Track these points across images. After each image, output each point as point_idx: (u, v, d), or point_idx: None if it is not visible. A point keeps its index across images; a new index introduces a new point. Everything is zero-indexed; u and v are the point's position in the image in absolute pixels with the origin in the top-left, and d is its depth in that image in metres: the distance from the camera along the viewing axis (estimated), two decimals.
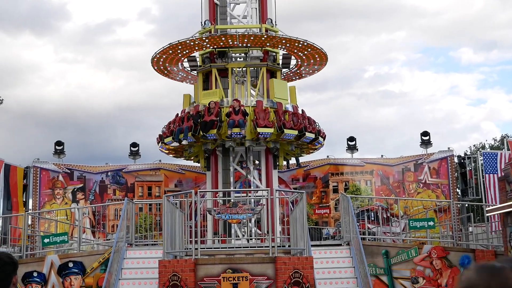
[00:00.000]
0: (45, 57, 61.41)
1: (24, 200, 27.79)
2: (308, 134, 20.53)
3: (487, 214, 20.91)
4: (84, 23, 61.68)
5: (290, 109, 20.88)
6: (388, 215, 26.88)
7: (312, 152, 23.06)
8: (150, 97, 62.98)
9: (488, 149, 45.06)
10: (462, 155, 29.18)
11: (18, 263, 4.24)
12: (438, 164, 28.41)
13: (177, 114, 21.43)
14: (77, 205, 27.54)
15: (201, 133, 19.70)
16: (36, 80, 61.62)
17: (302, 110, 21.56)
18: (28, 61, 60.20)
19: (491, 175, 26.75)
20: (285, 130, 19.81)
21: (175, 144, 20.92)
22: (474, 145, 49.38)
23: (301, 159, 25.08)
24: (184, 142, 20.52)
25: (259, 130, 19.63)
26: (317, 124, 21.66)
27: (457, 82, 76.59)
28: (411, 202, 27.78)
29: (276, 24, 22.10)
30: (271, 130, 19.75)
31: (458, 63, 77.36)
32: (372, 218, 26.33)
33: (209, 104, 20.12)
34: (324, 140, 22.15)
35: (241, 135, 19.78)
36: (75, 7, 63.35)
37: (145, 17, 61.39)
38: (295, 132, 20.12)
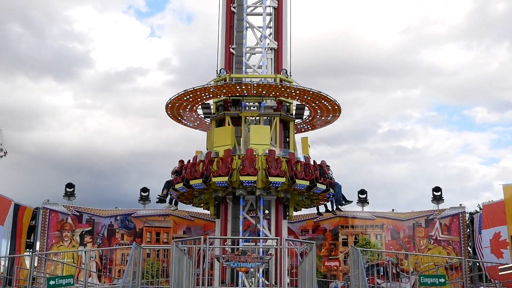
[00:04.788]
0: (65, 102, 62.69)
1: (31, 241, 27.63)
2: (299, 182, 20.23)
3: (499, 273, 20.52)
4: (105, 70, 63.05)
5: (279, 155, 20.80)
6: (398, 270, 26.47)
7: (323, 203, 22.83)
8: (165, 145, 63.61)
9: None
10: (474, 212, 28.91)
11: None
12: (450, 220, 28.11)
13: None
14: (85, 248, 27.38)
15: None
16: (54, 124, 62.66)
17: (305, 157, 21.50)
18: (48, 105, 61.43)
19: None
20: (269, 177, 19.78)
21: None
22: (483, 203, 48.92)
23: (308, 211, 24.99)
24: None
25: (241, 178, 19.77)
26: (329, 174, 21.59)
27: (470, 141, 76.55)
28: (421, 258, 27.35)
29: (290, 75, 22.35)
30: (254, 178, 19.79)
31: (472, 122, 77.54)
32: (382, 273, 25.91)
33: None
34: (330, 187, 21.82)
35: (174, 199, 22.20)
36: (98, 55, 64.83)
37: (165, 67, 62.58)
38: (282, 180, 19.97)
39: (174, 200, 22.85)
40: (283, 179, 19.81)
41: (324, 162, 21.75)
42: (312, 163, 21.38)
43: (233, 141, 21.23)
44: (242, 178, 19.79)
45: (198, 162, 20.87)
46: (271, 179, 19.72)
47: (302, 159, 21.11)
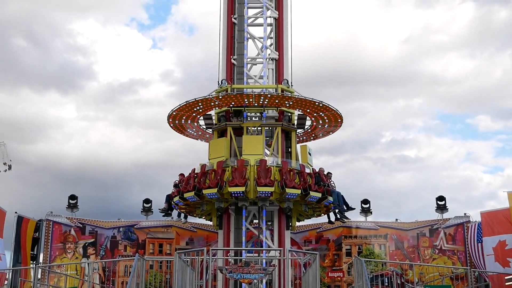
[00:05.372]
0: (68, 114, 63.17)
1: (34, 253, 27.64)
2: (289, 190, 19.86)
3: (506, 283, 20.40)
4: (107, 82, 63.43)
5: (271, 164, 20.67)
6: (403, 281, 26.32)
7: (325, 214, 22.71)
8: (167, 156, 63.84)
9: None
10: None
11: None
12: (454, 230, 27.98)
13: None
14: (88, 260, 27.36)
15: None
16: (57, 136, 63.07)
17: (303, 166, 21.27)
18: (51, 118, 61.92)
19: None
20: (258, 187, 19.74)
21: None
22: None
23: (311, 221, 24.76)
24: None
25: (230, 189, 19.82)
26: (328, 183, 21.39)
27: (474, 149, 76.49)
28: (426, 268, 27.18)
29: (292, 85, 22.36)
30: (242, 189, 19.79)
31: (475, 131, 77.52)
32: (386, 284, 25.77)
33: None
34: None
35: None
36: (101, 68, 65.26)
37: (168, 78, 62.91)
38: (271, 189, 19.80)
39: (183, 213, 23.00)
40: (271, 189, 19.75)
41: (322, 169, 21.59)
42: (310, 171, 21.27)
43: (227, 152, 21.27)
44: (231, 189, 19.79)
45: (194, 175, 21.01)
46: (259, 189, 19.70)
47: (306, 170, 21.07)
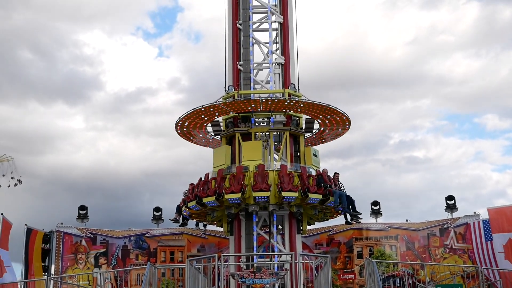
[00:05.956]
0: (76, 125, 63.43)
1: (46, 264, 27.68)
2: (286, 194, 19.81)
3: None
4: (115, 92, 63.60)
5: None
6: (414, 281, 26.26)
7: (336, 216, 22.71)
8: (176, 164, 63.94)
9: None
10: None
11: None
12: (464, 229, 27.90)
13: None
14: (99, 270, 27.40)
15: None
16: (66, 147, 63.28)
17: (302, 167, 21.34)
18: (59, 129, 62.15)
19: None
20: (253, 192, 19.85)
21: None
22: None
23: (322, 224, 24.75)
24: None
25: (227, 196, 19.94)
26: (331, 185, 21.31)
27: (482, 148, 76.42)
28: (437, 268, 27.12)
29: (299, 89, 22.40)
30: (238, 195, 19.87)
31: (483, 130, 77.47)
32: (398, 284, 25.72)
33: None
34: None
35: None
36: (108, 78, 65.46)
37: (175, 86, 63.05)
38: (267, 194, 19.93)
39: (202, 223, 23.16)
40: (267, 193, 19.80)
41: (326, 170, 21.51)
42: (313, 173, 21.27)
43: (229, 160, 21.42)
44: (227, 196, 19.91)
45: (197, 184, 21.30)
46: (255, 194, 19.79)
47: (312, 172, 21.08)
